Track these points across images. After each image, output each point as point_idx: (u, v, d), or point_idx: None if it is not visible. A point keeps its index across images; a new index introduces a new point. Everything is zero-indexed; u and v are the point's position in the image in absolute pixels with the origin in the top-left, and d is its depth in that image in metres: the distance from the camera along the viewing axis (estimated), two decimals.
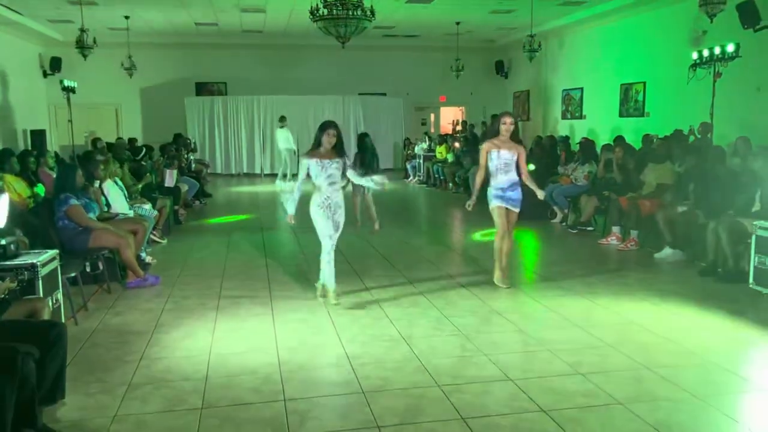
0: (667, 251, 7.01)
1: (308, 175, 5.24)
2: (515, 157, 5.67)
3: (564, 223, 9.25)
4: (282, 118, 15.82)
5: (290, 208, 5.33)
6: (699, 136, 10.23)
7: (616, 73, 13.91)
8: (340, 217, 5.30)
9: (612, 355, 4.23)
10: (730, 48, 9.40)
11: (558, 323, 4.90)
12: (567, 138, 12.56)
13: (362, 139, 8.71)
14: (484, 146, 5.76)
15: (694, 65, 10.23)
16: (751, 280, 5.48)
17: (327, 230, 5.23)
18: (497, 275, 5.89)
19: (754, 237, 5.44)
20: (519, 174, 5.76)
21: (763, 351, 4.28)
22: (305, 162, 5.22)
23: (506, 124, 5.66)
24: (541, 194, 5.81)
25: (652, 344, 4.42)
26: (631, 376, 3.89)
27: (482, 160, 5.77)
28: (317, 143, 5.19)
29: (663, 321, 4.94)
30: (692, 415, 3.37)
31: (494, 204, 5.75)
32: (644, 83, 13.08)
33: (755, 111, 10.06)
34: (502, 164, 5.65)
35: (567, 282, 6.10)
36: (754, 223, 5.48)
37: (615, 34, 14.03)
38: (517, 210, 5.79)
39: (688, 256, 6.89)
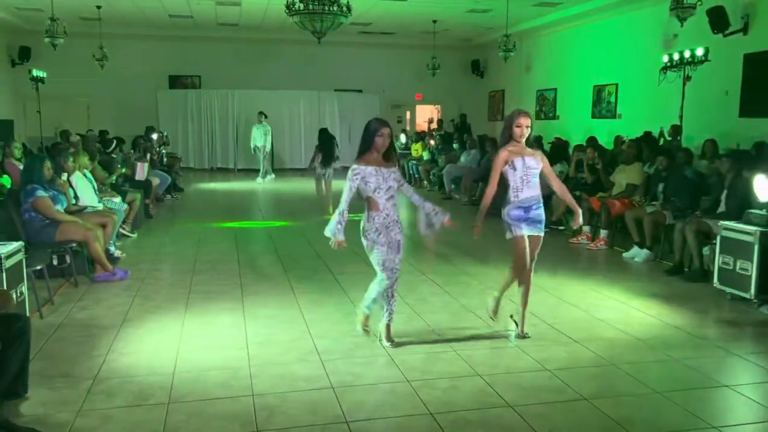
0: (635, 251, 7.13)
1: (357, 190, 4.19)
2: (541, 166, 4.37)
3: None
4: (261, 114, 15.49)
5: (340, 233, 4.15)
6: (669, 138, 10.43)
7: (589, 74, 14.10)
8: (398, 235, 4.27)
9: (578, 351, 4.29)
10: (700, 52, 9.59)
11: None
12: (539, 138, 12.68)
13: (323, 133, 10.24)
14: (501, 155, 4.32)
15: (665, 68, 10.42)
16: (715, 279, 5.60)
17: (391, 261, 4.21)
18: (492, 306, 4.75)
19: (718, 238, 5.56)
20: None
21: (725, 348, 4.38)
22: (359, 171, 4.11)
23: (521, 127, 4.30)
24: (580, 220, 4.57)
25: (618, 341, 4.50)
26: (597, 372, 3.96)
27: (495, 174, 4.35)
28: (367, 147, 4.16)
29: (629, 319, 5.03)
30: (656, 411, 3.43)
31: (518, 233, 4.33)
32: (616, 85, 13.28)
33: (723, 114, 10.27)
34: (528, 175, 4.30)
35: (536, 279, 6.09)
36: (719, 224, 5.60)
37: (588, 36, 14.21)
38: (542, 235, 4.47)
39: (655, 255, 7.03)
